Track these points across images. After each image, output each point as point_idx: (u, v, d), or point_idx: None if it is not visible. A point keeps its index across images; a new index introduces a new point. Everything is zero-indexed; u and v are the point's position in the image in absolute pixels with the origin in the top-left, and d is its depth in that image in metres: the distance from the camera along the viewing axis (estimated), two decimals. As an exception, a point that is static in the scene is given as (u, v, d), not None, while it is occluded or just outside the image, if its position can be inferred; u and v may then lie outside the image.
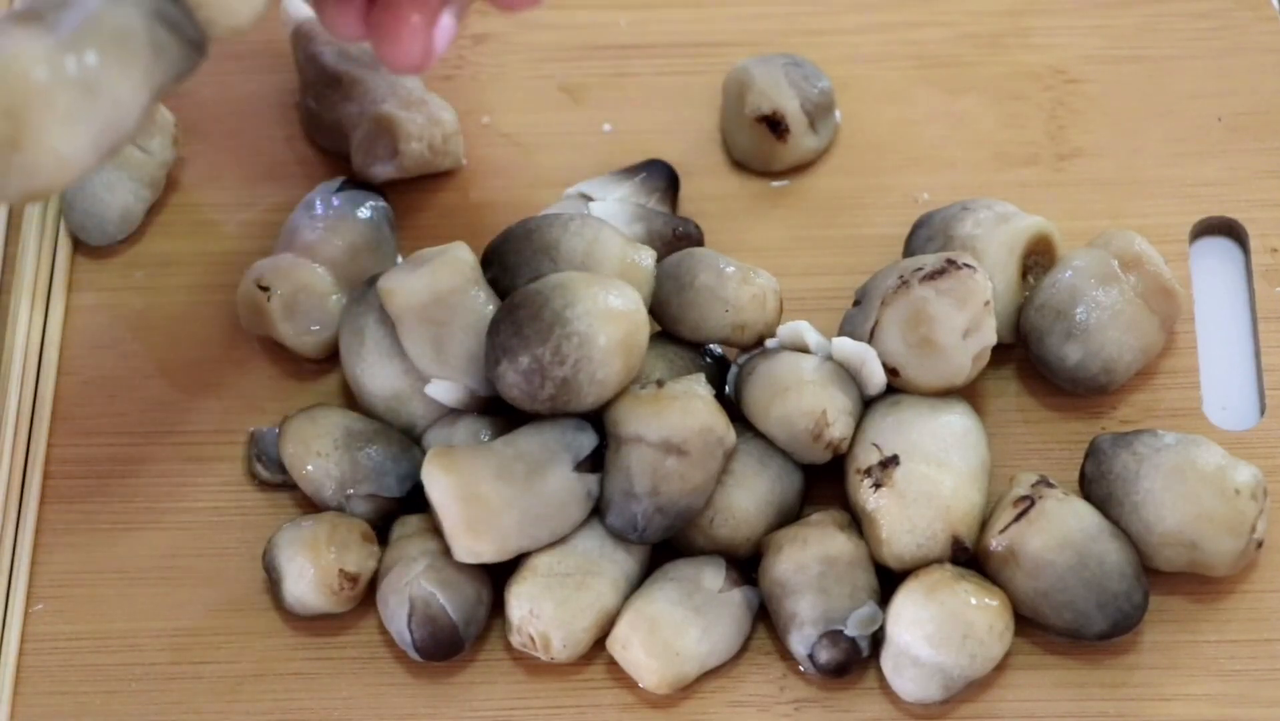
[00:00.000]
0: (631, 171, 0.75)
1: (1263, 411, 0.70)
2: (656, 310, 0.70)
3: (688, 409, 0.65)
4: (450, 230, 0.75)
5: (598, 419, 0.67)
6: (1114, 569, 0.65)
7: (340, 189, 0.74)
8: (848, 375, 0.68)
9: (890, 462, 0.66)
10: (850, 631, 0.65)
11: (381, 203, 0.74)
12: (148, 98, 0.55)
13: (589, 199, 0.74)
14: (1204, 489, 0.65)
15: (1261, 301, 0.72)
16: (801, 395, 0.67)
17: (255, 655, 0.68)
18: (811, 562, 0.65)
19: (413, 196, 0.77)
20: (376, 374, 0.69)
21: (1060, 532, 0.65)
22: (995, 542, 0.65)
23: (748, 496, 0.67)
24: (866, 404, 0.68)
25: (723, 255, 0.70)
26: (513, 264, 0.68)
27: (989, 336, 0.68)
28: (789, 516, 0.68)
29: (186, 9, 0.57)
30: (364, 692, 0.67)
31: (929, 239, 0.72)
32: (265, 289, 0.71)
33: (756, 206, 0.76)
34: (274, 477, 0.71)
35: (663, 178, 0.75)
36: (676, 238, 0.72)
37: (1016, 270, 0.70)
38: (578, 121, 0.78)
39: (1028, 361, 0.71)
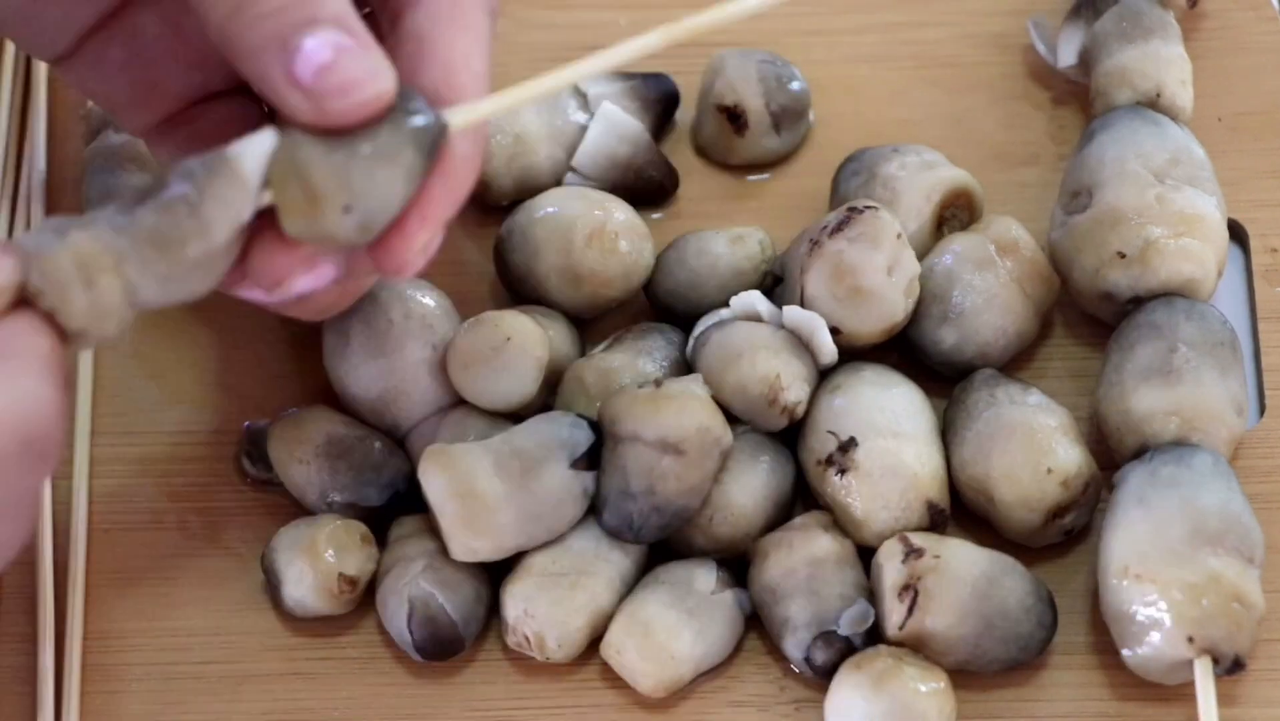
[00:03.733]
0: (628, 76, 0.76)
1: (1262, 411, 0.70)
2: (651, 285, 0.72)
3: (685, 408, 0.65)
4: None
5: (595, 417, 0.67)
6: (1017, 609, 0.64)
7: None
8: (800, 343, 0.68)
9: (849, 445, 0.66)
10: (843, 631, 0.65)
11: None
12: (398, 205, 0.57)
13: (582, 92, 0.75)
14: (1021, 454, 0.66)
15: (1261, 301, 0.72)
16: (755, 360, 0.67)
17: (255, 655, 0.68)
18: (799, 566, 0.65)
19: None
20: (361, 375, 0.69)
21: (956, 605, 0.64)
22: (898, 636, 0.64)
23: (744, 493, 0.67)
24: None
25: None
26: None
27: (911, 266, 0.68)
28: (785, 508, 0.68)
29: None
30: (364, 692, 0.67)
31: (855, 173, 0.73)
32: None
33: (756, 206, 0.76)
34: (261, 475, 0.71)
35: (655, 90, 0.76)
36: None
37: (931, 218, 0.71)
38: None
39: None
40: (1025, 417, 0.67)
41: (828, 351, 0.68)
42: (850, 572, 0.66)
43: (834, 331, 0.68)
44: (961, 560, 0.65)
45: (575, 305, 0.71)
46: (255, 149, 0.55)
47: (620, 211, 0.71)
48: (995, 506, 0.66)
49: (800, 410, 0.68)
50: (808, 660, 0.65)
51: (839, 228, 0.68)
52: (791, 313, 0.68)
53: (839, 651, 0.65)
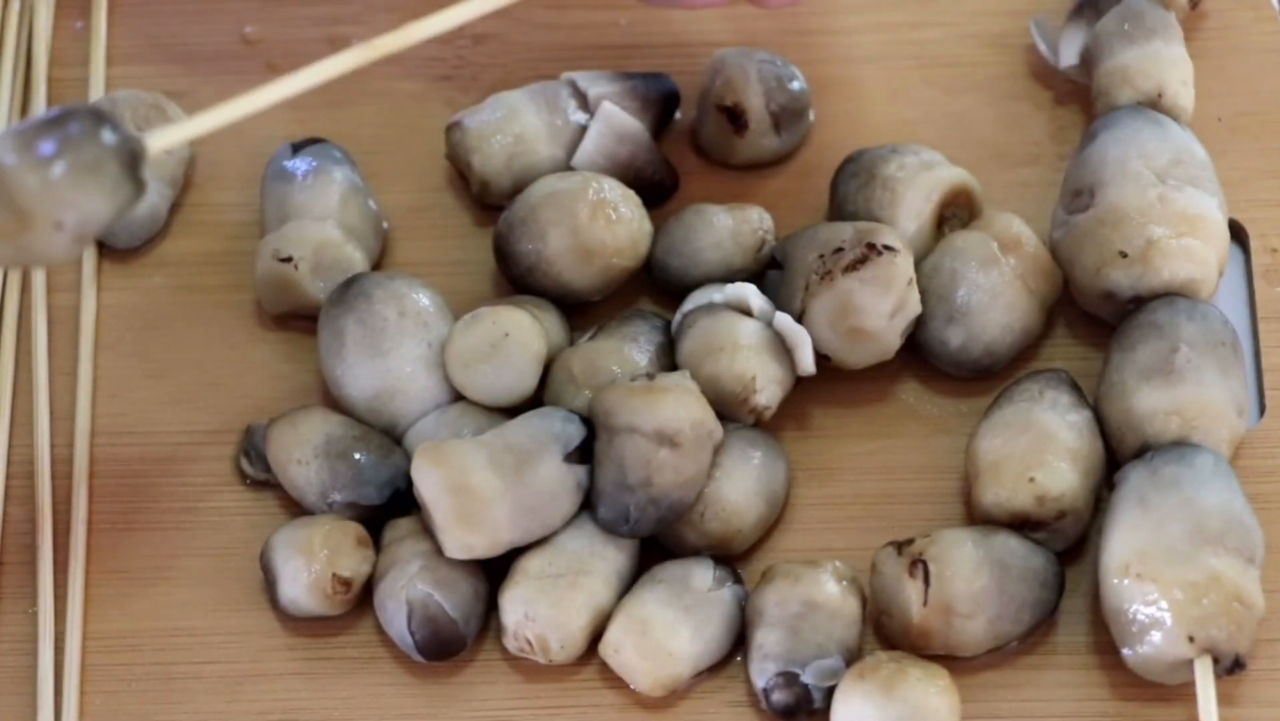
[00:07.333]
0: (628, 76, 0.76)
1: (1262, 411, 0.70)
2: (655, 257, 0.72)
3: (681, 400, 0.65)
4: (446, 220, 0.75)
5: (586, 412, 0.67)
6: (1020, 547, 0.65)
7: (296, 151, 0.74)
8: (783, 346, 0.68)
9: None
10: (806, 678, 0.64)
11: (337, 149, 0.75)
12: (107, 217, 0.59)
13: (582, 92, 0.75)
14: (1018, 451, 0.66)
15: (1261, 301, 0.72)
16: (734, 358, 0.68)
17: (255, 655, 0.68)
18: (794, 601, 0.65)
19: (411, 200, 0.77)
20: (358, 375, 0.69)
21: (966, 559, 0.64)
22: (924, 614, 0.64)
23: (734, 489, 0.67)
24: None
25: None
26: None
27: (913, 310, 0.69)
28: (777, 506, 0.69)
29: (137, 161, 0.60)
30: (364, 692, 0.67)
31: (854, 175, 0.73)
32: (287, 259, 0.71)
33: (759, 205, 0.76)
34: (260, 475, 0.71)
35: (655, 90, 0.76)
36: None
37: (931, 218, 0.71)
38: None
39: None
40: (1047, 424, 0.67)
41: (806, 366, 0.69)
42: (840, 629, 0.65)
43: (824, 357, 0.69)
44: (948, 532, 0.65)
45: (589, 284, 0.71)
46: None
47: (608, 183, 0.71)
48: (974, 485, 0.67)
49: (768, 414, 0.68)
50: (765, 692, 0.65)
51: (854, 265, 0.68)
52: (783, 321, 0.68)
53: (796, 696, 0.64)
